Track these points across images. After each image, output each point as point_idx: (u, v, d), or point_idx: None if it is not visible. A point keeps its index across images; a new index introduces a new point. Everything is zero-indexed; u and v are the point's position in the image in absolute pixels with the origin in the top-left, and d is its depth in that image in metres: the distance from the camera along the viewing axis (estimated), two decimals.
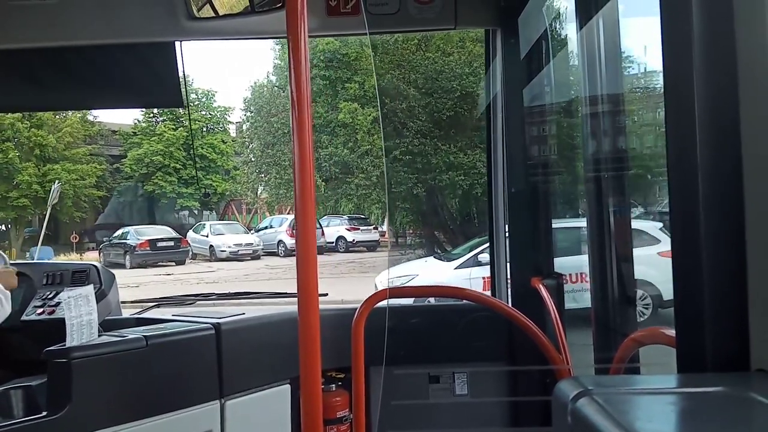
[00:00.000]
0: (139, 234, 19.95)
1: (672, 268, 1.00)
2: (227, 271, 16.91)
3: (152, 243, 19.68)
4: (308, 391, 1.37)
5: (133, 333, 2.11)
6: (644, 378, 1.44)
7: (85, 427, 1.87)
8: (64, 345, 1.91)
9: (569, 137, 2.84)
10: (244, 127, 23.15)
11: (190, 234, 21.69)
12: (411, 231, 19.14)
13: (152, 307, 2.80)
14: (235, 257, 19.70)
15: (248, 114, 21.13)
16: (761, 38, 0.88)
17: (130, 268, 18.54)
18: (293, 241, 1.36)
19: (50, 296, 2.44)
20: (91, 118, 24.37)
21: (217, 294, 3.05)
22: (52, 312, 2.36)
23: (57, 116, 23.09)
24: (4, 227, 24.24)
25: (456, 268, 9.44)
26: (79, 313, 1.94)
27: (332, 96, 17.17)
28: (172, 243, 20.15)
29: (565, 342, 2.15)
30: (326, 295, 2.51)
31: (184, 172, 24.85)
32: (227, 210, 26.98)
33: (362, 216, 20.04)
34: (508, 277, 2.68)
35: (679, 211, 0.99)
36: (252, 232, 22.29)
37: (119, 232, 20.57)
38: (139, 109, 24.70)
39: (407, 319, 2.56)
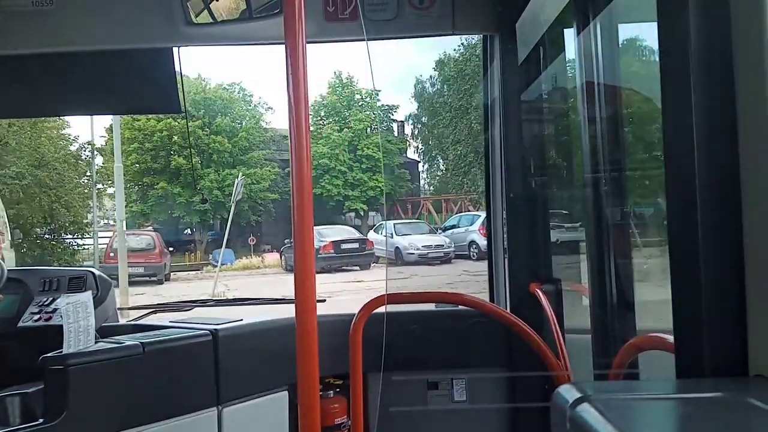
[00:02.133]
0: (322, 235, 17.56)
1: (670, 274, 1.00)
2: (423, 278, 14.11)
3: (336, 245, 17.77)
4: (306, 398, 1.37)
5: (130, 340, 2.11)
6: (643, 383, 1.43)
7: None
8: (61, 352, 1.90)
9: (568, 142, 2.84)
10: (406, 127, 23.07)
11: (372, 234, 19.66)
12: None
13: (149, 313, 2.79)
14: (424, 260, 17.49)
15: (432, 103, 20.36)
16: (758, 39, 0.88)
17: None
18: None
19: (47, 303, 2.42)
20: (264, 124, 25.34)
21: (214, 300, 3.05)
22: (49, 318, 2.35)
23: (234, 123, 23.84)
24: (189, 231, 25.02)
25: None
26: (77, 320, 1.93)
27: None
28: (356, 245, 18.18)
29: (563, 348, 2.15)
30: (324, 301, 2.50)
31: (350, 175, 25.22)
32: (393, 210, 26.42)
33: None
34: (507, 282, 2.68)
35: (677, 216, 0.99)
36: (439, 232, 20.29)
37: None
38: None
39: (405, 325, 2.55)
